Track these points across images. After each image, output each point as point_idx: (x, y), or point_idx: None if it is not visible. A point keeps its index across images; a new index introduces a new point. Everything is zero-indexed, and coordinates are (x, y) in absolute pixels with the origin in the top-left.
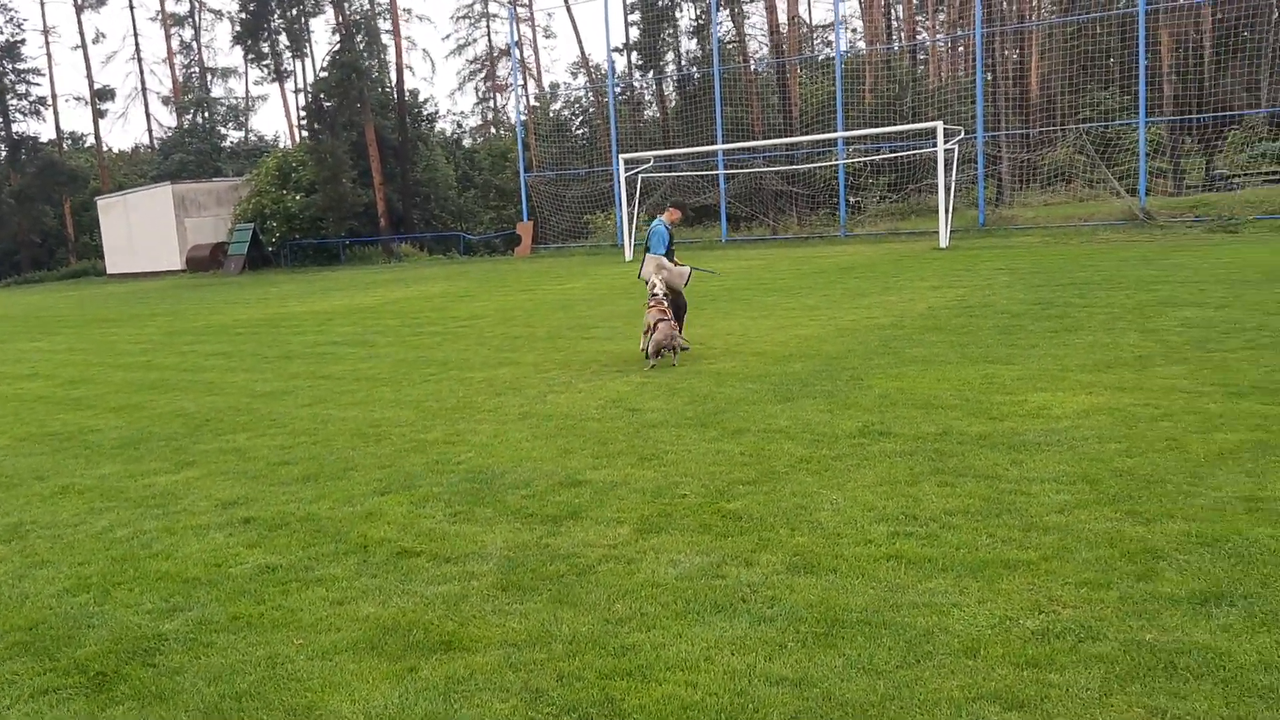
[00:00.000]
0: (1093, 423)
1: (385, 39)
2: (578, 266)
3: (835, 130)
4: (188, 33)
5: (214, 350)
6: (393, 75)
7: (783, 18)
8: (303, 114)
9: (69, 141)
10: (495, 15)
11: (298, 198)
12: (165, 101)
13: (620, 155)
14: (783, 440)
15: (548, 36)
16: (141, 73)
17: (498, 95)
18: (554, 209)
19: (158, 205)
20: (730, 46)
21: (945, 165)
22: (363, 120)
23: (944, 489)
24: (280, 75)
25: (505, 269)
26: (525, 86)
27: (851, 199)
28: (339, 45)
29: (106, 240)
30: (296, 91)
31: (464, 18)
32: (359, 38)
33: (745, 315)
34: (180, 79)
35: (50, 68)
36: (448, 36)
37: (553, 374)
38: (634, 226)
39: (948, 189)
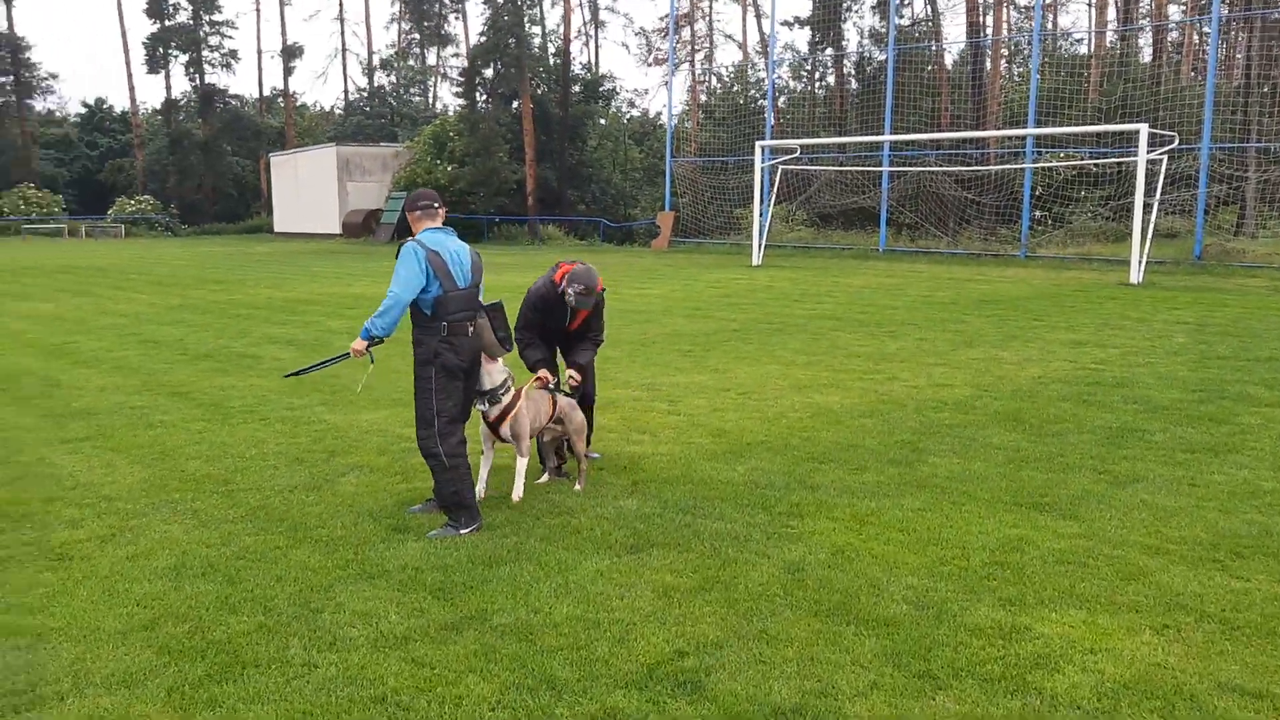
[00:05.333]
0: None
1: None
2: (694, 266)
3: (1027, 128)
4: None
5: (174, 335)
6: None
7: None
8: (460, 81)
9: (268, 98)
10: None
11: (449, 169)
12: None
13: (759, 143)
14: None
15: (759, 16)
16: (343, 33)
17: (710, 75)
18: (712, 199)
19: (322, 167)
20: (911, 26)
21: (1147, 180)
22: (520, 90)
23: None
24: (438, 38)
25: (624, 262)
26: (692, 63)
27: (1037, 213)
28: (501, 5)
29: (276, 198)
30: (456, 57)
31: None
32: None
33: (788, 359)
34: (399, 42)
35: (258, 23)
36: (665, 16)
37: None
38: (768, 224)
39: (1147, 209)
